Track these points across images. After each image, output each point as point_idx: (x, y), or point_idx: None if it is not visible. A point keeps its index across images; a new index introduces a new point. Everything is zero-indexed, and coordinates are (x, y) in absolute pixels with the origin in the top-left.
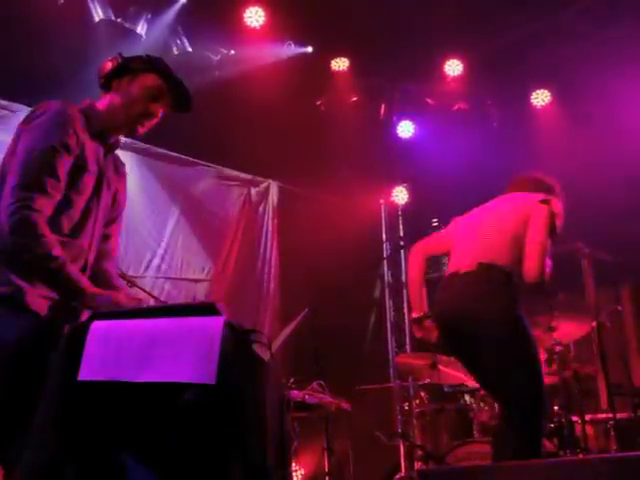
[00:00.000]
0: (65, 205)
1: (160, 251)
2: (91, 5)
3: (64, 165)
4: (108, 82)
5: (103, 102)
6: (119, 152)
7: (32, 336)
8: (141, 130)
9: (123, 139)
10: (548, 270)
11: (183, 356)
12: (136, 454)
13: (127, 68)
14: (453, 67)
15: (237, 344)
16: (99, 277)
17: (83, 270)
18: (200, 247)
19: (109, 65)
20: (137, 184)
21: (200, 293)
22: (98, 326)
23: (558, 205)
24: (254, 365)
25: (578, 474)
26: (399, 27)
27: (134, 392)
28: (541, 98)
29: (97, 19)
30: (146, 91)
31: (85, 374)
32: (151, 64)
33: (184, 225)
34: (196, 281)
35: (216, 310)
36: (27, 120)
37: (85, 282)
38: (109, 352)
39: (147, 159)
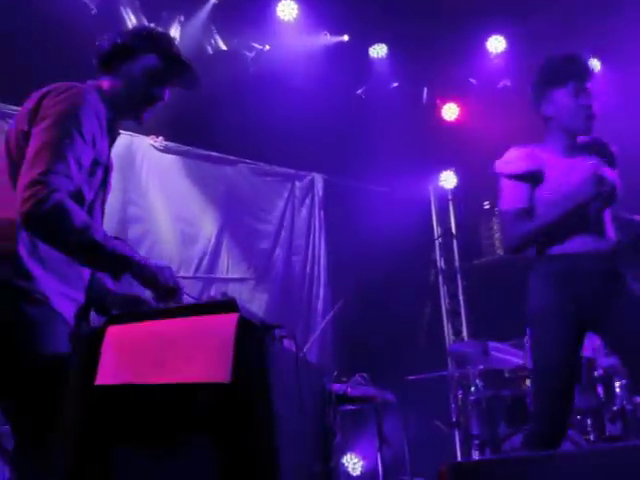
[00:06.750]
0: (76, 199)
1: (207, 252)
2: (123, 12)
3: (88, 156)
4: (108, 63)
5: (105, 85)
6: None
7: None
8: (145, 115)
9: (165, 143)
10: None
11: (197, 356)
12: (154, 456)
13: (127, 48)
14: (495, 44)
15: (256, 341)
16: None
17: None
18: (246, 245)
19: (107, 45)
20: (181, 186)
21: (246, 292)
22: (114, 331)
23: None
24: (273, 360)
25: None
26: (437, 5)
27: (152, 393)
28: None
29: (130, 25)
30: (147, 73)
31: (102, 379)
32: (151, 42)
33: (229, 224)
34: (242, 280)
35: (234, 307)
36: (44, 100)
37: (129, 251)
38: (125, 356)
39: (190, 161)
